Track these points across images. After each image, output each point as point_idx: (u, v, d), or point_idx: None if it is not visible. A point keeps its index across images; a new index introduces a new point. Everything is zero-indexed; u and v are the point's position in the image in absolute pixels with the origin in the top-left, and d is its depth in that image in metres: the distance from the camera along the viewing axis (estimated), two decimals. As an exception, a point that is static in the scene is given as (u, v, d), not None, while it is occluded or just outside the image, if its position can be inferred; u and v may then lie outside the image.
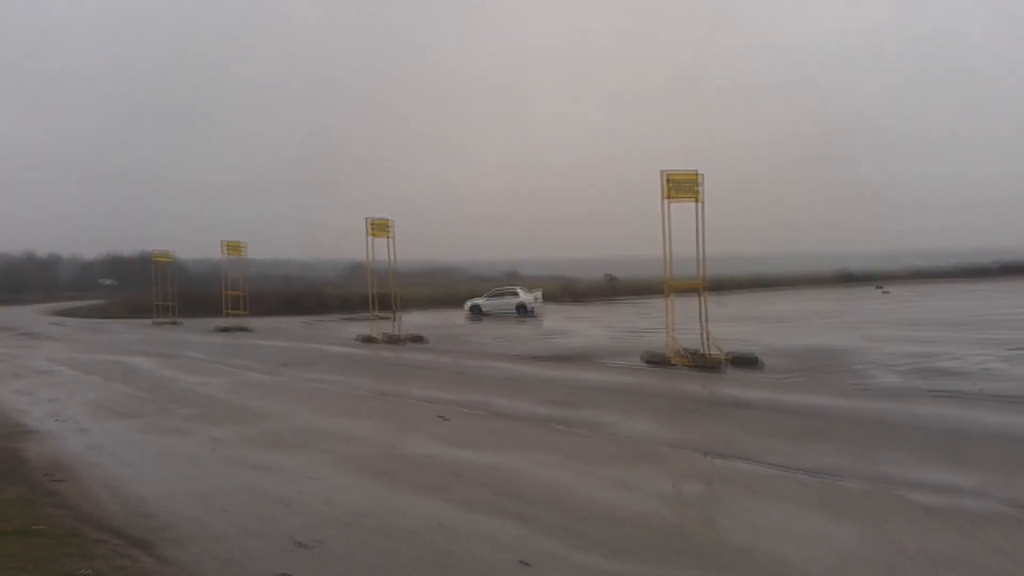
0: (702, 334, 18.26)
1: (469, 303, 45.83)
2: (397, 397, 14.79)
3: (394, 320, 28.76)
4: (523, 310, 43.06)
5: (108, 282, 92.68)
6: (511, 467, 9.05)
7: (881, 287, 67.45)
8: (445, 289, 67.97)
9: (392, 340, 27.03)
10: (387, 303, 30.61)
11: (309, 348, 26.62)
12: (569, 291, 69.90)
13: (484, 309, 44.35)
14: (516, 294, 44.71)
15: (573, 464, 9.07)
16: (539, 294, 45.01)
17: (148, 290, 49.60)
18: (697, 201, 18.21)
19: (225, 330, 36.66)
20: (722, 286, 66.29)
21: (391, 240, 28.61)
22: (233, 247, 39.22)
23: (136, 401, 15.29)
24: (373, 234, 28.43)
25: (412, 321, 35.71)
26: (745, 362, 17.38)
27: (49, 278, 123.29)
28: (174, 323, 45.07)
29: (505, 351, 22.84)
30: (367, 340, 27.93)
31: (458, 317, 44.06)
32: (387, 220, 28.74)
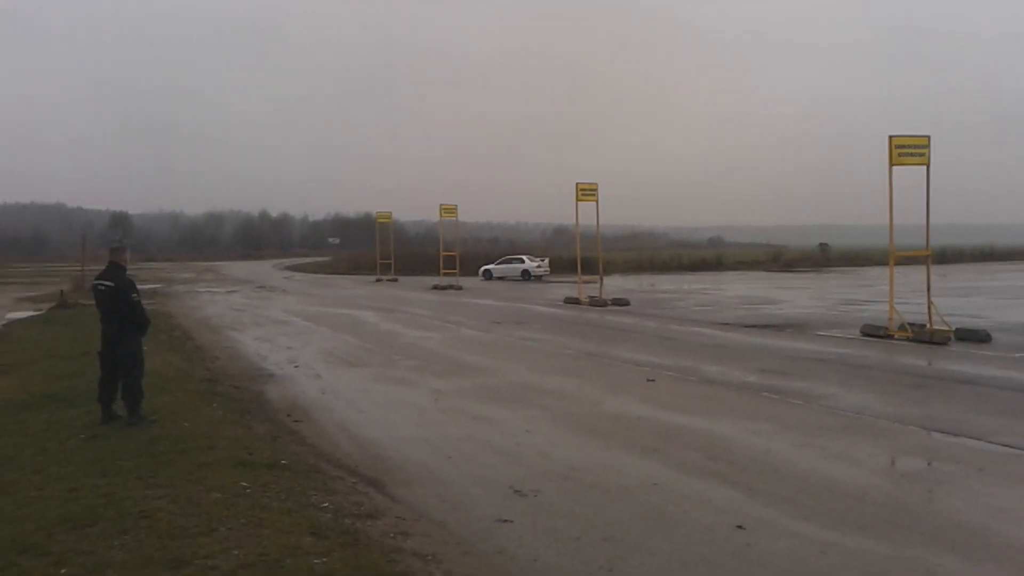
0: (928, 307, 17.26)
1: (483, 268, 50.26)
2: (604, 358, 15.07)
3: (599, 283, 29.06)
4: (527, 275, 47.37)
5: (334, 240, 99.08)
6: (723, 433, 9.09)
7: None
8: (648, 254, 67.66)
9: (597, 303, 27.34)
10: (590, 266, 30.96)
11: (517, 308, 27.45)
12: (778, 259, 67.57)
13: (495, 273, 49.22)
14: (522, 261, 49.42)
15: (788, 434, 8.98)
16: (544, 262, 49.44)
17: (370, 249, 52.77)
18: (926, 166, 17.15)
19: (440, 288, 38.43)
20: (946, 258, 61.76)
21: (596, 205, 28.90)
22: (448, 210, 40.93)
23: (363, 352, 16.52)
24: (581, 198, 28.80)
25: (614, 285, 35.89)
26: (973, 337, 16.27)
27: (282, 236, 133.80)
28: (393, 280, 47.71)
29: (711, 318, 22.56)
30: (572, 302, 28.43)
31: (660, 281, 44.02)
32: (595, 184, 29.00)
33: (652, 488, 7.06)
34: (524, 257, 50.67)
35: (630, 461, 7.98)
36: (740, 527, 5.99)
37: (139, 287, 9.07)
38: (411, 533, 5.83)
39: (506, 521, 6.23)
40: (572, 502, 6.71)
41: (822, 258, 68.60)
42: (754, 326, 20.21)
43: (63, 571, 4.47)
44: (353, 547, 5.19)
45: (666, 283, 43.13)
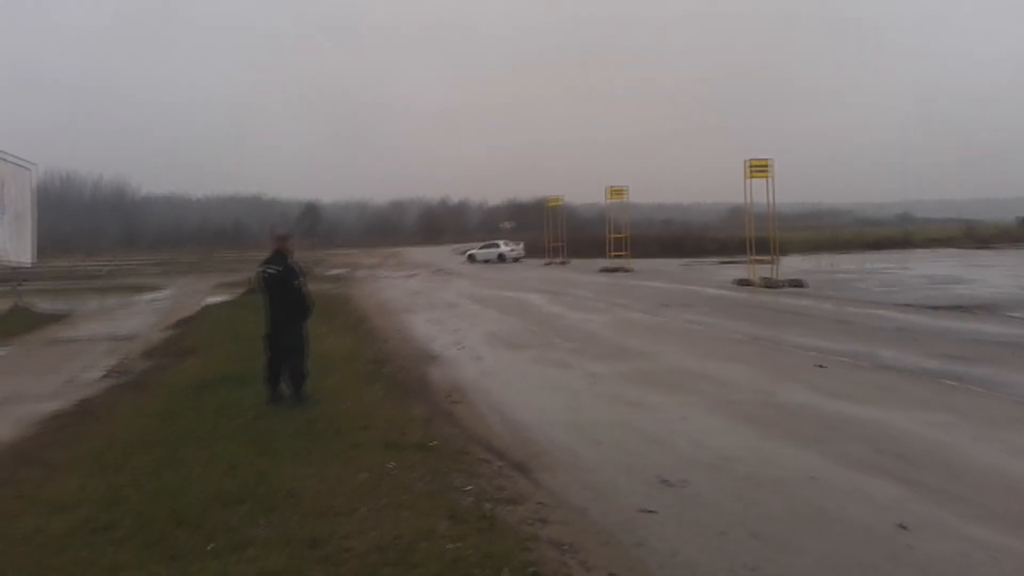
0: None
1: (468, 252, 58.18)
2: (773, 343, 14.45)
3: (772, 264, 27.95)
4: (502, 259, 54.30)
5: (508, 225, 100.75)
6: (894, 424, 8.49)
7: None
8: (829, 233, 64.56)
9: (770, 284, 26.33)
10: (765, 247, 29.82)
11: (687, 290, 26.85)
12: (971, 235, 62.62)
13: (477, 257, 55.62)
14: (498, 246, 57.13)
15: (967, 425, 8.27)
16: (519, 246, 57.00)
17: (541, 232, 53.24)
18: None
19: (608, 271, 38.23)
20: None
21: (771, 182, 27.75)
22: (617, 192, 40.67)
23: (526, 334, 16.64)
24: (752, 176, 27.75)
25: (791, 265, 34.44)
26: None
27: (460, 221, 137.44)
28: (563, 263, 47.96)
29: (892, 299, 21.18)
30: (744, 283, 27.51)
31: (841, 261, 42.02)
32: (766, 160, 27.85)
33: (809, 482, 6.68)
34: (499, 242, 58.89)
35: (788, 452, 7.59)
36: (902, 527, 5.56)
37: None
38: (550, 520, 5.79)
39: (650, 512, 6.06)
40: (721, 494, 6.45)
41: (1022, 233, 63.00)
42: (938, 307, 18.79)
43: (210, 546, 4.74)
44: (488, 533, 5.21)
45: (847, 263, 40.95)
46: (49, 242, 63.51)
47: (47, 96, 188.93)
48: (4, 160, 24.04)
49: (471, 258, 56.09)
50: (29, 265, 28.06)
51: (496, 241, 60.08)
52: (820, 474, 6.86)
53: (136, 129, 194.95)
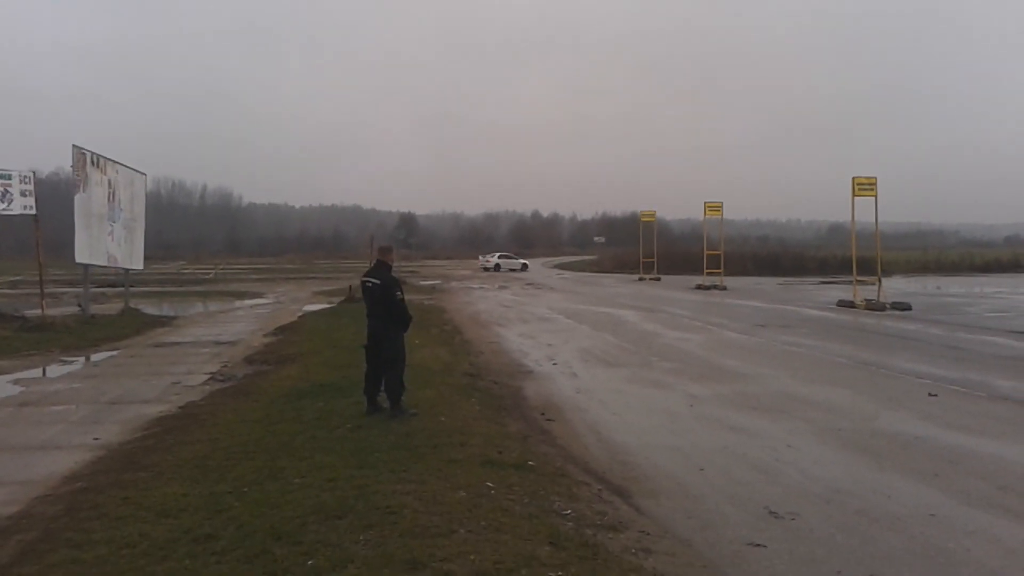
0: None
1: (489, 263, 65.35)
2: (880, 368, 13.85)
3: (877, 285, 26.94)
4: (524, 268, 63.68)
5: (600, 239, 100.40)
6: (1017, 459, 8.00)
7: None
8: (934, 254, 62.13)
9: (874, 307, 25.38)
10: (868, 267, 28.78)
11: (785, 310, 26.11)
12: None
13: (501, 267, 63.70)
14: (515, 257, 67.38)
15: (1102, 466, 7.70)
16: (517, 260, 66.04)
17: (634, 247, 52.76)
18: None
19: (703, 288, 37.54)
20: None
21: (875, 200, 26.80)
22: (713, 208, 39.92)
23: (621, 351, 16.39)
24: (858, 193, 26.85)
25: (895, 287, 33.17)
26: None
27: (553, 235, 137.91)
28: (656, 279, 47.35)
29: (1005, 325, 20.13)
30: (846, 305, 26.55)
31: (947, 284, 40.42)
32: (873, 179, 26.91)
33: (929, 520, 6.30)
34: (509, 254, 69.89)
35: (904, 487, 7.19)
36: (1035, 575, 5.17)
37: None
38: (654, 551, 5.57)
39: (758, 546, 5.80)
40: (834, 529, 6.13)
41: None
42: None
43: (310, 562, 4.69)
44: (591, 561, 5.03)
45: (954, 286, 39.28)
46: (157, 247, 66.27)
47: (156, 105, 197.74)
48: (117, 169, 25.07)
49: (494, 267, 63.69)
50: (140, 269, 29.18)
51: (508, 253, 70.55)
52: (940, 511, 6.48)
53: (239, 141, 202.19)
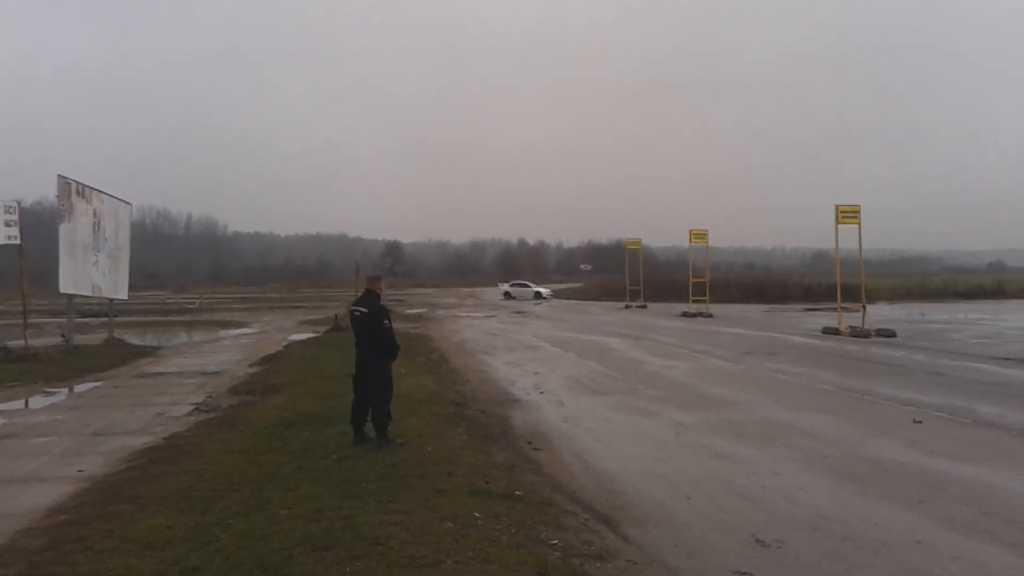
0: None
1: (504, 289, 68.05)
2: (866, 395, 13.92)
3: (861, 312, 27.13)
4: (538, 296, 63.25)
5: (586, 267, 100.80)
6: (1002, 486, 8.04)
7: None
8: (918, 280, 62.65)
9: (858, 333, 25.55)
10: (852, 294, 28.99)
11: (771, 337, 26.23)
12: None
13: (512, 294, 64.98)
14: (528, 286, 67.89)
15: (1084, 492, 7.77)
16: (548, 290, 67.04)
17: (620, 275, 52.97)
18: None
19: (688, 315, 37.69)
20: None
21: (859, 228, 27.07)
22: (698, 235, 40.17)
23: (607, 379, 16.41)
24: (841, 221, 27.12)
25: (879, 314, 33.41)
26: None
27: (539, 262, 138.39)
28: (642, 306, 47.49)
29: (990, 351, 20.29)
30: (831, 332, 26.72)
31: (931, 310, 40.71)
32: (857, 206, 27.18)
33: (915, 546, 6.33)
34: (524, 282, 71.53)
35: (889, 513, 7.22)
36: (1020, 601, 5.20)
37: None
38: (640, 579, 5.58)
39: (745, 573, 5.82)
40: (820, 556, 6.16)
41: None
42: (1044, 362, 17.88)
43: (297, 594, 4.68)
44: (578, 590, 5.04)
45: (938, 312, 39.55)
46: (142, 276, 65.94)
47: (141, 134, 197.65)
48: (102, 199, 25.01)
49: (506, 295, 65.46)
50: (124, 299, 29.03)
51: (524, 282, 71.72)
52: (926, 538, 6.51)
53: (224, 170, 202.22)
